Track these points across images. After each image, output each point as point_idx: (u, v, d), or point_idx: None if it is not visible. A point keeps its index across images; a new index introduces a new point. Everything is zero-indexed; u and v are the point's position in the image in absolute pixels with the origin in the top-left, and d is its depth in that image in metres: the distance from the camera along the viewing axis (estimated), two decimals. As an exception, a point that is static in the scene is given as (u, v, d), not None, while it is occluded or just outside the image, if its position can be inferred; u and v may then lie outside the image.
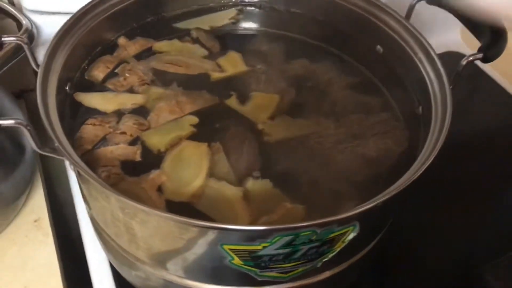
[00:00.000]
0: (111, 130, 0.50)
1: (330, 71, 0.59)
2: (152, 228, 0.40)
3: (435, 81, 0.50)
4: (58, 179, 0.73)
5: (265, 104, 0.55)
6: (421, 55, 0.53)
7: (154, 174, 0.46)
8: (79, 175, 0.44)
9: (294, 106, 0.55)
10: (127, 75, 0.55)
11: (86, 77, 0.55)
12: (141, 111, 0.53)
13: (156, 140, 0.49)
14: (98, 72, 0.55)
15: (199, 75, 0.57)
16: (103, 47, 0.58)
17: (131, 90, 0.54)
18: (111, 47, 0.59)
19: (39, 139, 0.42)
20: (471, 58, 0.50)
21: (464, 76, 0.51)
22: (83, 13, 0.54)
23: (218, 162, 0.48)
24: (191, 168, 0.47)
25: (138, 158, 0.48)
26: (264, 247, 0.39)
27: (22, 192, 0.62)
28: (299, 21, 0.65)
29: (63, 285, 0.58)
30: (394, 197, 0.39)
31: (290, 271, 0.43)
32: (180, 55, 0.58)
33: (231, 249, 0.39)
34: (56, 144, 0.40)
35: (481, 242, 0.63)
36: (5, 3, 0.62)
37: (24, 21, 0.57)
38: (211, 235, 0.38)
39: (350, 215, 0.38)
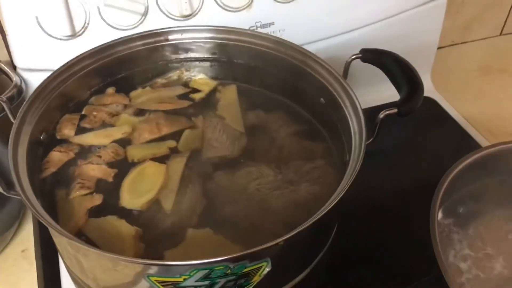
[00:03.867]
0: (74, 155, 0.59)
1: (281, 120, 0.65)
2: (92, 260, 0.48)
3: (357, 133, 0.55)
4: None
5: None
6: (350, 108, 0.58)
7: (92, 196, 0.55)
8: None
9: (244, 152, 0.62)
10: (94, 113, 0.63)
11: (58, 137, 0.61)
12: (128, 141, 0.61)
13: (134, 152, 0.59)
14: (69, 131, 0.61)
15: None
16: (75, 103, 0.65)
17: (104, 124, 0.63)
18: (81, 103, 0.66)
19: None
20: (386, 113, 0.54)
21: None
22: (60, 72, 0.62)
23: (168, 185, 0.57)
24: (147, 183, 0.56)
25: (110, 179, 0.57)
26: (184, 279, 0.45)
27: (9, 226, 0.70)
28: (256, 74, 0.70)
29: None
30: (293, 237, 0.44)
31: (214, 301, 0.49)
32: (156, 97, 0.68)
33: (157, 280, 0.46)
34: (19, 191, 0.48)
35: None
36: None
37: (14, 78, 0.66)
38: (136, 268, 0.45)
39: (255, 250, 0.43)
